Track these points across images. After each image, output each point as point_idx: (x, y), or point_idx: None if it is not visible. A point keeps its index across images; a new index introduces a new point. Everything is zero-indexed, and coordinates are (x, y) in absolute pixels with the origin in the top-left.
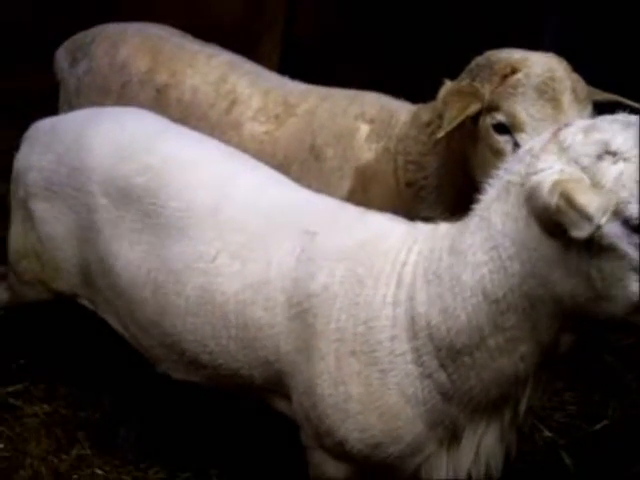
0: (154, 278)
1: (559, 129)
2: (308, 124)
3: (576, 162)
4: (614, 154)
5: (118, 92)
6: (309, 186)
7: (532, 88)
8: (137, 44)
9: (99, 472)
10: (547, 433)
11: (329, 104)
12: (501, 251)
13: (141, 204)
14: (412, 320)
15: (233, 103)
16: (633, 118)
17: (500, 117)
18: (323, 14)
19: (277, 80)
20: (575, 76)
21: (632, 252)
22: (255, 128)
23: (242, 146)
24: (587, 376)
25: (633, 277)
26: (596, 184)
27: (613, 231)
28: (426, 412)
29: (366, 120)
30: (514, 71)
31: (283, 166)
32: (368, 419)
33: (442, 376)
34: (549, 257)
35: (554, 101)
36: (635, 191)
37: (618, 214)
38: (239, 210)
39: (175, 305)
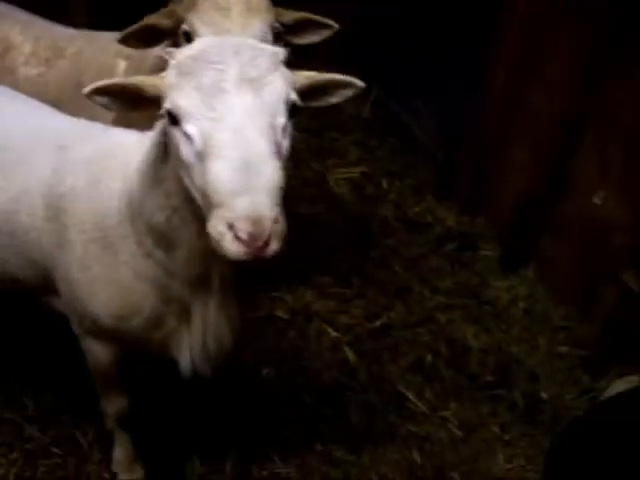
0: None
1: None
2: (76, 64)
3: None
4: None
5: None
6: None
7: (210, 3)
8: None
9: None
10: (333, 333)
11: (94, 45)
12: None
13: None
14: (130, 206)
15: (7, 50)
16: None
17: (185, 27)
18: None
19: (47, 27)
20: None
21: None
22: (28, 72)
23: (18, 89)
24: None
25: None
26: None
27: None
28: (156, 288)
29: (123, 56)
30: None
31: (56, 104)
32: (109, 295)
33: (159, 254)
34: None
35: (225, 11)
36: None
37: None
38: (6, 133)
39: None
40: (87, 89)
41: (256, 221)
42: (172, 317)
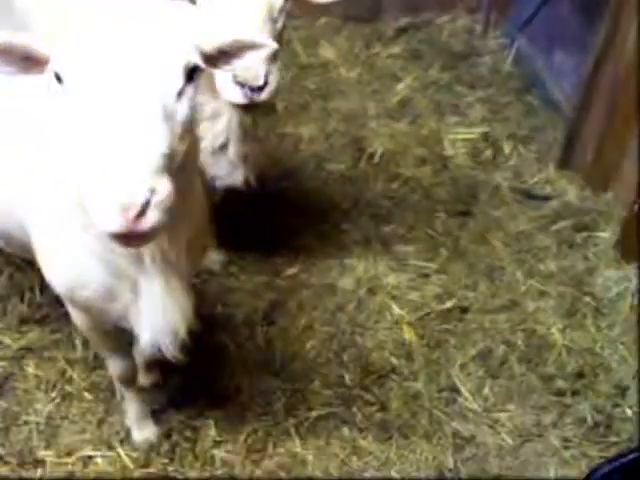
0: None
1: None
2: None
3: None
4: None
5: None
6: None
7: None
8: None
9: None
10: (397, 310)
11: None
12: None
13: None
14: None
15: None
16: None
17: None
18: None
19: None
20: None
21: None
22: None
23: None
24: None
25: None
26: None
27: None
28: (101, 262)
29: None
30: None
31: None
32: (59, 267)
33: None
34: None
35: None
36: None
37: None
38: None
39: None
40: None
41: (128, 190)
42: (127, 291)
